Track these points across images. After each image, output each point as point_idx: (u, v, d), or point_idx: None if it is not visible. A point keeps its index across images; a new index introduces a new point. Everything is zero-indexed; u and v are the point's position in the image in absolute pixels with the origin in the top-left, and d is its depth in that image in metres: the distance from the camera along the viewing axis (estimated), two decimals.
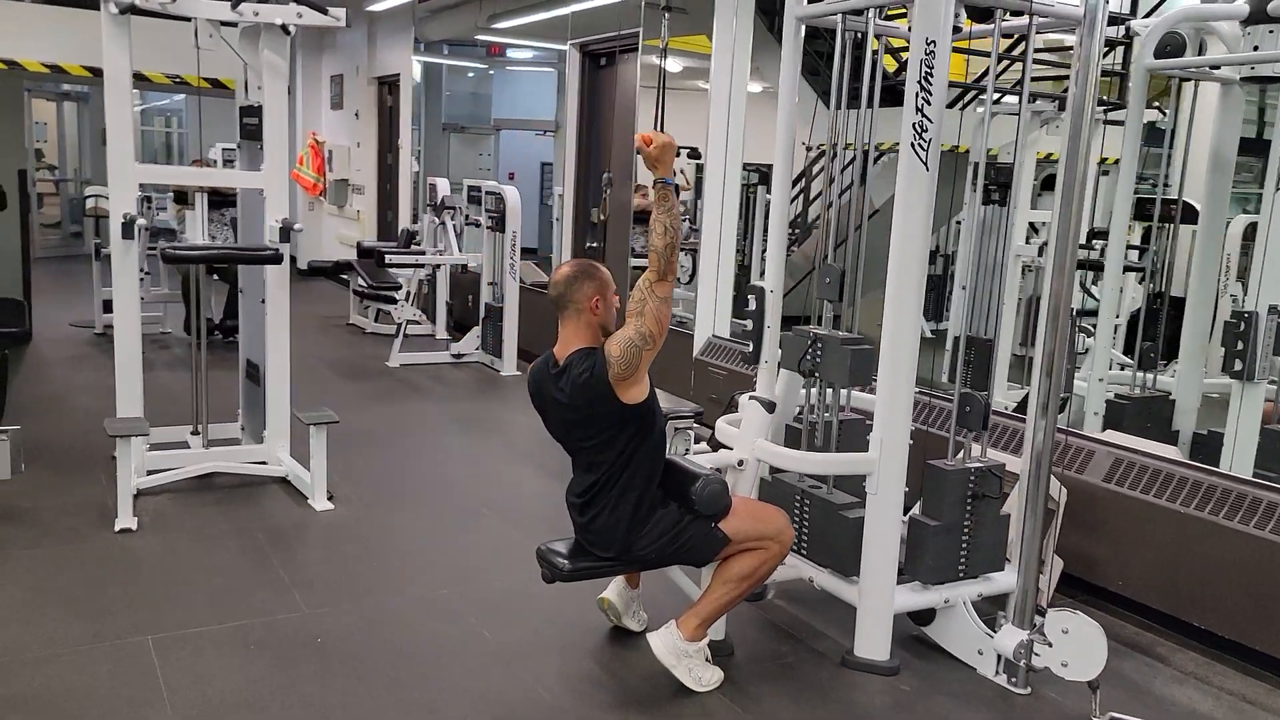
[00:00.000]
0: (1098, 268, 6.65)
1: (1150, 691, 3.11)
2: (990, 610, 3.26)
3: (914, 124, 2.88)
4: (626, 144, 6.45)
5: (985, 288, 5.63)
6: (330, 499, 4.30)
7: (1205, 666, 3.26)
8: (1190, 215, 4.99)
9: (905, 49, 9.00)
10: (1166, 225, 4.90)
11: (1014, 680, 3.03)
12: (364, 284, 7.92)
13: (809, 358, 3.20)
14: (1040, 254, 5.64)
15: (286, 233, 4.35)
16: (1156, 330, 4.71)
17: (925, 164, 2.89)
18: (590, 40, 6.63)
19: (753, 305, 3.45)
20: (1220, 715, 2.99)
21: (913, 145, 2.89)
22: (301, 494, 4.36)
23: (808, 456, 3.20)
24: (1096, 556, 3.61)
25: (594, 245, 6.87)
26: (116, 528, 3.88)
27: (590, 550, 2.91)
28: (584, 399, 2.76)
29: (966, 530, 3.18)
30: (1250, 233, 5.94)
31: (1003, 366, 5.46)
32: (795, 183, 9.67)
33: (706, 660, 2.95)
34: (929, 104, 2.86)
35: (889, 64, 8.42)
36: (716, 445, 3.74)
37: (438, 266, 7.67)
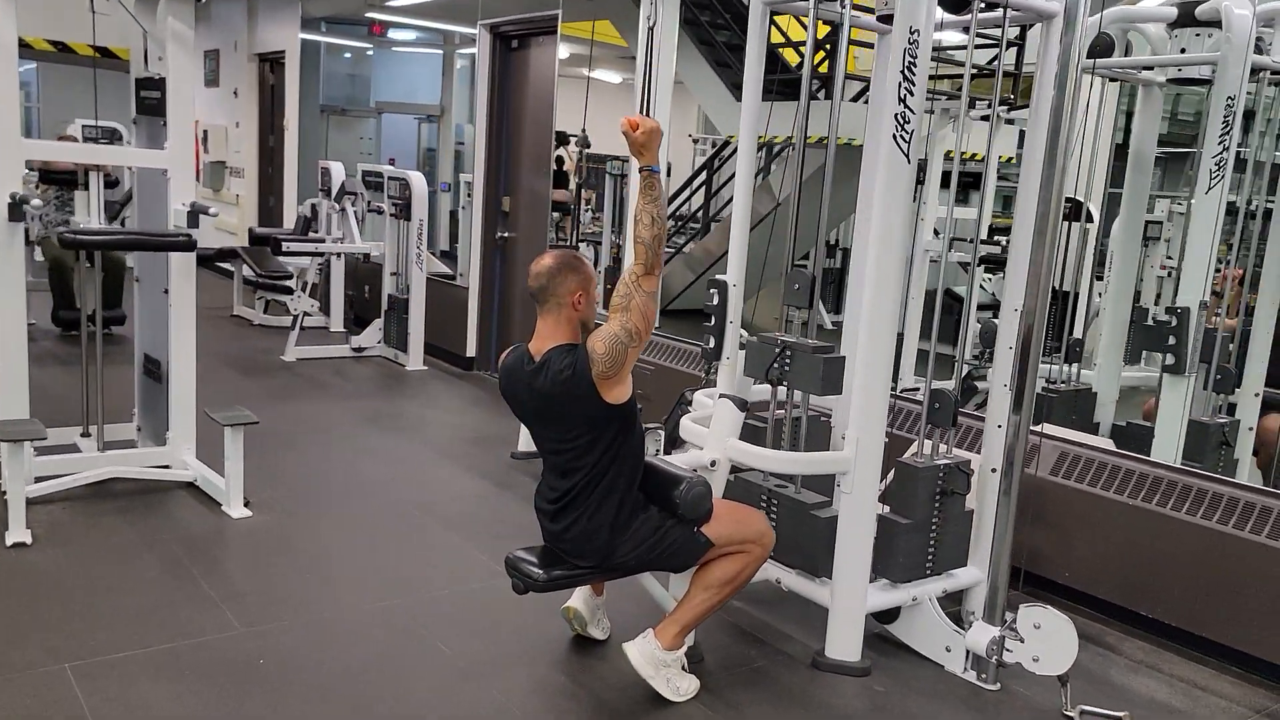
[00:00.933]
0: (1000, 263, 6.86)
1: (1108, 681, 3.16)
2: (946, 607, 3.25)
3: (896, 115, 2.82)
4: (542, 131, 6.26)
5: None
6: (247, 505, 3.99)
7: (1154, 655, 3.33)
8: (1080, 212, 5.16)
9: (803, 44, 9.03)
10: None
11: (984, 676, 3.03)
12: (256, 273, 7.47)
13: (777, 366, 3.13)
14: (951, 249, 5.73)
15: (196, 217, 4.01)
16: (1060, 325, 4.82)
17: (907, 156, 2.83)
18: (503, 22, 6.39)
19: (714, 300, 3.35)
20: (1177, 703, 3.05)
21: (894, 137, 2.83)
22: (214, 500, 4.04)
23: (785, 456, 3.13)
24: (1042, 549, 3.66)
25: (504, 235, 6.65)
26: (9, 542, 3.51)
27: (566, 558, 2.75)
28: (565, 398, 2.60)
29: (934, 527, 3.16)
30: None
31: (910, 359, 5.55)
32: (694, 177, 9.64)
33: (683, 669, 2.84)
34: (911, 94, 2.80)
35: (790, 58, 8.48)
36: (671, 445, 3.63)
37: (339, 255, 7.30)
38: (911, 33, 2.79)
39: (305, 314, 6.89)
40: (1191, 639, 3.33)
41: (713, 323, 3.36)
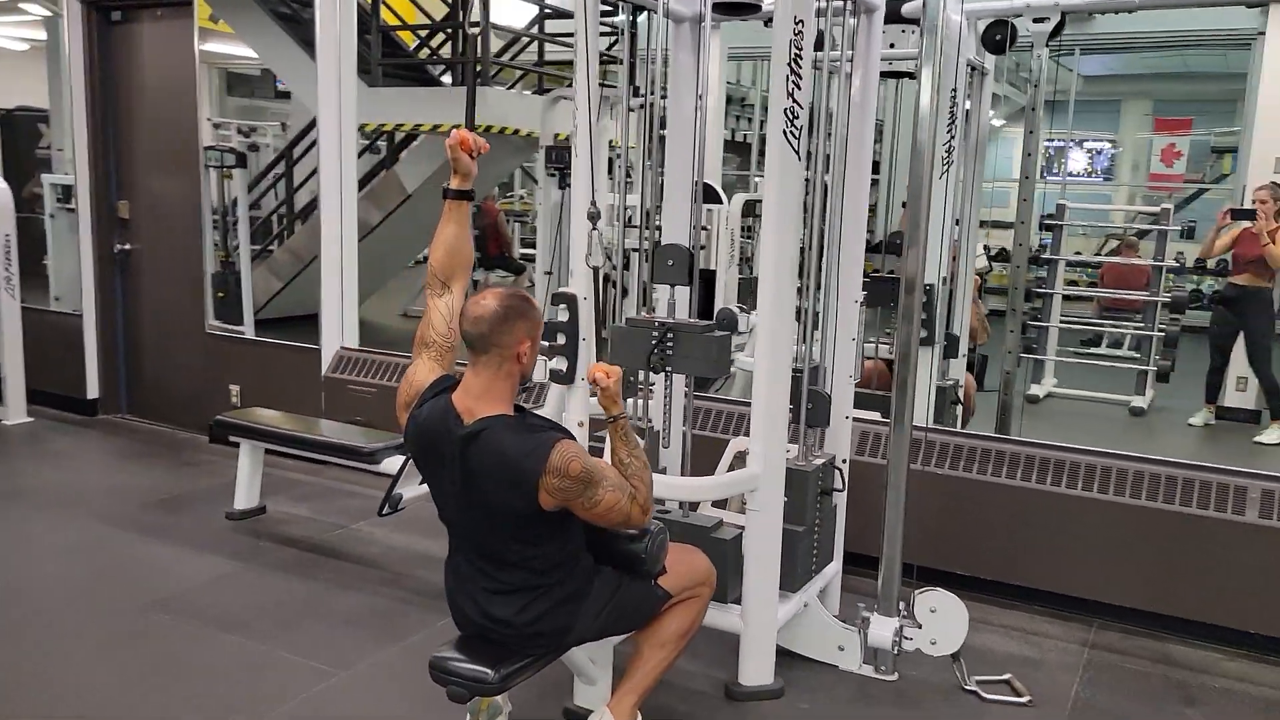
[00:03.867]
0: None
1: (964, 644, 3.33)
2: None
3: (785, 110, 2.67)
4: (179, 122, 5.22)
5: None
6: None
7: (979, 609, 3.54)
8: (712, 196, 5.51)
9: (426, 27, 8.48)
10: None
11: (882, 668, 3.05)
12: None
13: (658, 351, 2.85)
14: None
15: None
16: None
17: (797, 153, 2.70)
18: None
19: (564, 317, 2.97)
20: (1028, 652, 3.30)
21: (784, 133, 2.68)
22: None
23: (696, 483, 2.87)
24: (856, 528, 3.77)
25: (125, 247, 5.48)
26: None
27: (509, 647, 2.27)
28: (499, 485, 2.13)
29: (817, 529, 3.11)
30: (748, 209, 6.66)
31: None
32: (271, 166, 8.65)
33: None
34: (799, 88, 2.67)
35: (407, 39, 7.94)
36: None
37: None
38: (796, 22, 2.65)
39: None
40: (1000, 588, 3.63)
41: (562, 342, 2.98)
